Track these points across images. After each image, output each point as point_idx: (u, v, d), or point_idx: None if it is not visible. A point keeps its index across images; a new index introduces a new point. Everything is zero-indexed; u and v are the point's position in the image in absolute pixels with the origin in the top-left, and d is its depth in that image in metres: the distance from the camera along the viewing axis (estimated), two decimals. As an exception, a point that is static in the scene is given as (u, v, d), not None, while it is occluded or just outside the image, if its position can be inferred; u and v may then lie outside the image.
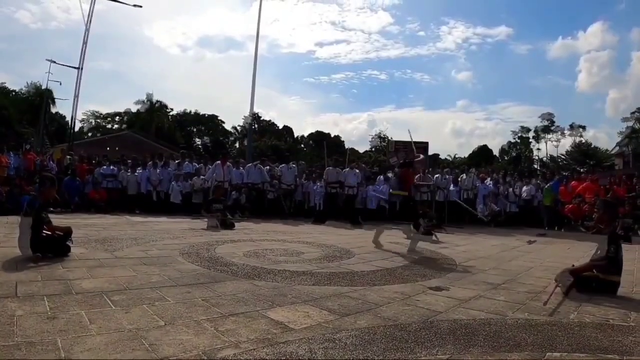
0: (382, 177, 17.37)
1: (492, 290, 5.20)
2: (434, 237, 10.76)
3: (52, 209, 7.46)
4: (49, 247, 5.79)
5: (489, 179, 17.25)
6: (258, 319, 3.61)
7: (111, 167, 16.52)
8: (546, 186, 15.88)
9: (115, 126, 71.44)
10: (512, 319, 3.93)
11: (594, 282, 4.92)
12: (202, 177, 16.06)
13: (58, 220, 6.58)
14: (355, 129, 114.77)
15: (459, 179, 16.45)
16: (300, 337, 3.17)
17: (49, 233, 5.95)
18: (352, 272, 6.02)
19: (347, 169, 17.07)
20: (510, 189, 16.08)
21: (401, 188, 9.82)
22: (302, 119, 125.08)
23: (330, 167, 17.04)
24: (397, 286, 5.23)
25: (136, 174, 16.31)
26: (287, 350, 2.89)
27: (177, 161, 17.55)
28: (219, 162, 16.28)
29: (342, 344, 3.06)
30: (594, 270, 5.04)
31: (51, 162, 17.00)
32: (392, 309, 4.16)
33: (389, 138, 57.74)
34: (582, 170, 34.03)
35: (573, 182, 16.44)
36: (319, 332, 3.33)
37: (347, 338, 3.20)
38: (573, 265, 5.43)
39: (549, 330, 3.59)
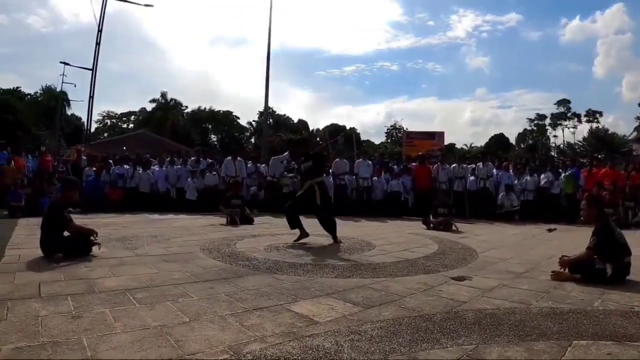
0: (396, 167, 17.25)
1: (514, 279, 5.18)
2: (453, 227, 10.74)
3: (71, 209, 7.52)
4: (71, 247, 5.84)
5: (510, 167, 16.97)
6: (282, 312, 3.61)
7: (125, 166, 16.57)
8: (566, 173, 15.64)
9: (131, 125, 71.98)
10: (537, 308, 3.91)
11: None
12: (213, 173, 16.09)
13: (77, 221, 6.63)
14: (371, 120, 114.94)
15: (476, 168, 16.25)
16: (325, 330, 3.16)
17: (71, 233, 6.03)
18: (373, 264, 6.00)
19: (360, 160, 16.87)
20: (528, 177, 15.84)
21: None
22: (316, 112, 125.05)
23: (338, 159, 16.91)
24: (420, 277, 5.22)
25: (149, 171, 16.34)
26: (313, 344, 2.88)
27: (192, 158, 17.59)
28: (229, 157, 16.25)
29: (368, 336, 3.05)
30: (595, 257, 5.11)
31: (62, 165, 17.18)
32: (416, 299, 4.15)
33: (404, 129, 57.34)
34: (600, 156, 33.59)
35: (593, 169, 16.19)
36: (344, 324, 3.32)
37: (372, 330, 3.19)
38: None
39: (574, 319, 3.55)
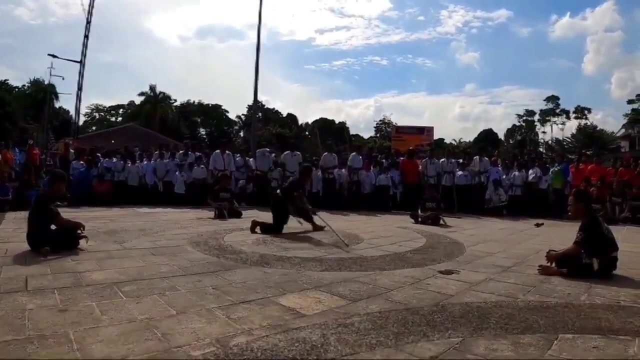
0: (385, 161, 17.19)
1: (502, 273, 5.21)
2: (441, 222, 10.78)
3: (59, 202, 7.47)
4: (58, 241, 5.81)
5: (499, 162, 16.97)
6: (269, 305, 3.61)
7: (113, 159, 16.48)
8: (556, 169, 15.69)
9: (120, 119, 71.56)
10: (524, 302, 3.93)
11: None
12: (202, 166, 16.03)
13: (65, 214, 6.59)
14: (361, 115, 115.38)
15: (472, 162, 16.22)
16: (312, 323, 3.17)
17: (57, 227, 5.99)
18: (361, 257, 6.01)
19: (353, 154, 16.80)
20: (516, 172, 15.86)
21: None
22: (305, 106, 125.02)
23: (326, 153, 16.89)
24: (407, 270, 5.24)
25: (138, 165, 16.30)
26: (300, 336, 2.88)
27: (181, 151, 17.50)
28: (218, 151, 16.19)
29: (355, 329, 3.06)
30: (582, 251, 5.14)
31: (50, 158, 17.04)
32: (403, 293, 4.16)
33: (394, 123, 57.39)
34: (588, 153, 33.90)
35: (581, 165, 16.28)
36: (331, 317, 3.33)
37: (359, 323, 3.20)
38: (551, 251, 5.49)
39: (560, 312, 3.59)
